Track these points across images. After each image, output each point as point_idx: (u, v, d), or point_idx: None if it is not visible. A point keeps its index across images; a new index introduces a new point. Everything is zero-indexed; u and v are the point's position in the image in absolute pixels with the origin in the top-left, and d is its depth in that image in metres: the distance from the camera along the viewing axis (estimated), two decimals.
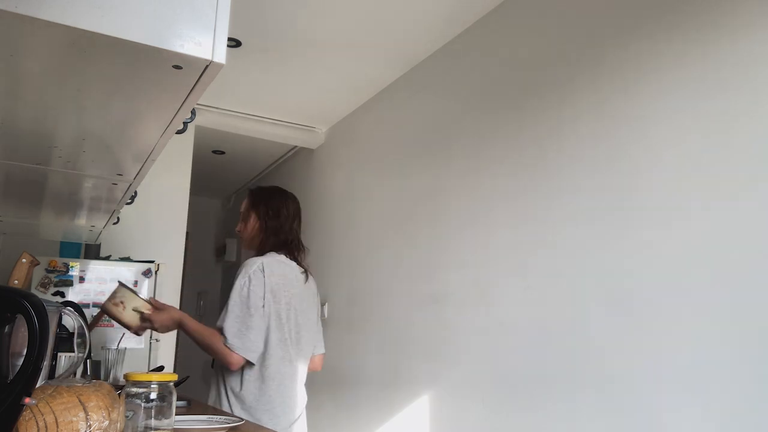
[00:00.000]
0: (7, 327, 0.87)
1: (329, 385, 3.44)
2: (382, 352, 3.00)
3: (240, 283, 1.88)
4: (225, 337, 1.82)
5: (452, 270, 2.54)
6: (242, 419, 1.53)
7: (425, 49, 2.88)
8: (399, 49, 2.88)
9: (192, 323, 1.91)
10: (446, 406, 2.46)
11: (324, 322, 3.69)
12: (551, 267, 2.01)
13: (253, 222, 2.07)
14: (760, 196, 1.42)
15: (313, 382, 2.57)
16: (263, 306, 1.86)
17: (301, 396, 2.00)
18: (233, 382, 1.88)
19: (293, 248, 2.05)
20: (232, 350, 1.81)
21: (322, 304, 3.72)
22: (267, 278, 1.88)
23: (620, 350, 1.72)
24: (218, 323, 1.87)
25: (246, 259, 1.98)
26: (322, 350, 2.18)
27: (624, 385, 1.69)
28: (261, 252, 2.02)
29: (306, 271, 2.07)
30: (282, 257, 2.00)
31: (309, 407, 2.10)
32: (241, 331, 1.84)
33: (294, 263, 2.03)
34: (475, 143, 2.50)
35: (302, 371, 2.01)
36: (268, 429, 1.56)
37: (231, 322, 1.84)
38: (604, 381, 1.75)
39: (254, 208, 2.08)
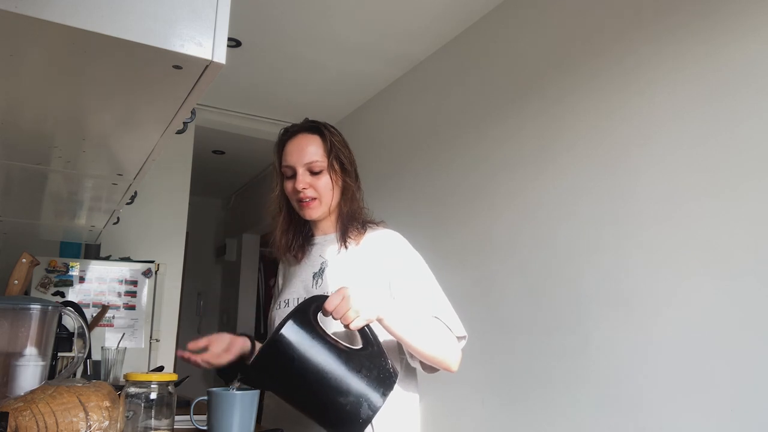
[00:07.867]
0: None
1: None
2: None
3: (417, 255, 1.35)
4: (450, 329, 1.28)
5: (452, 269, 2.53)
6: None
7: (425, 49, 2.88)
8: (399, 49, 2.88)
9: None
10: (446, 406, 2.46)
11: None
12: (551, 266, 2.01)
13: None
14: (761, 196, 1.42)
15: None
16: None
17: None
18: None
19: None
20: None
21: None
22: None
23: (620, 350, 1.72)
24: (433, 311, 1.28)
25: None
26: None
27: (624, 384, 1.69)
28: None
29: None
30: None
31: None
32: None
33: None
34: (474, 143, 2.50)
35: None
36: None
37: (449, 306, 1.29)
38: (604, 381, 1.75)
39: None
